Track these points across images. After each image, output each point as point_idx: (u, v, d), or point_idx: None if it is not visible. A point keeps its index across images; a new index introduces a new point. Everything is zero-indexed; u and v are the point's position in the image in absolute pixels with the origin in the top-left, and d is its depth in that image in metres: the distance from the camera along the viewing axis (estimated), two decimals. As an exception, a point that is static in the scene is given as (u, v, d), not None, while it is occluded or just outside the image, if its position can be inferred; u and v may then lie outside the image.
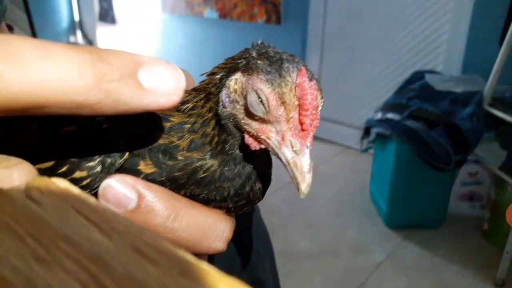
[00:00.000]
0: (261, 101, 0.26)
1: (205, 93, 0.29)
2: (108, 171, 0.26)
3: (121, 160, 0.27)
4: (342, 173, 2.30)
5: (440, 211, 1.79)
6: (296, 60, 0.27)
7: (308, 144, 0.26)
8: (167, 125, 0.29)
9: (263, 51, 0.27)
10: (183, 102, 0.30)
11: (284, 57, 0.27)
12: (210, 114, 0.29)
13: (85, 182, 0.26)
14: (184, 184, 0.28)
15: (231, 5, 2.97)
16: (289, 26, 2.61)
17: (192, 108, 0.29)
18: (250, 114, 0.27)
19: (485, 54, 1.85)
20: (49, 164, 0.26)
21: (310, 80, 0.26)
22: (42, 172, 0.26)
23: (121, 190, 0.25)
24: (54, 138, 0.27)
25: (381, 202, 1.85)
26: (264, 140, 0.27)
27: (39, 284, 0.14)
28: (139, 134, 0.28)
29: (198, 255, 0.29)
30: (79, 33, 3.90)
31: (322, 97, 0.27)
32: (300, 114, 0.26)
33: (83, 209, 0.18)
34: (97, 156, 0.27)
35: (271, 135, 0.27)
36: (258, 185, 0.30)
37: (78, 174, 0.26)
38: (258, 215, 0.65)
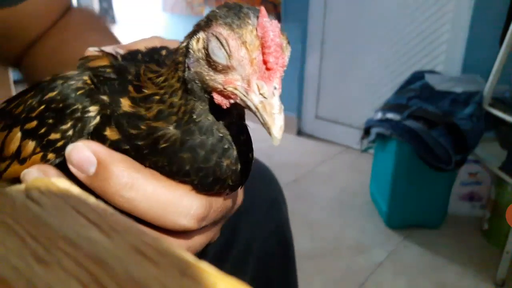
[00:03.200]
0: (222, 45, 0.25)
1: (174, 63, 0.29)
2: (78, 135, 0.28)
3: (91, 125, 0.28)
4: (342, 173, 2.30)
5: (440, 211, 1.79)
6: (257, 8, 0.26)
7: (277, 86, 0.24)
8: (138, 95, 0.29)
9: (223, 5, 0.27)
10: (158, 75, 0.30)
11: (244, 5, 0.26)
12: (178, 84, 0.28)
13: (59, 144, 0.28)
14: (147, 155, 0.28)
15: (231, 5, 2.97)
16: (289, 26, 2.61)
17: (165, 80, 0.29)
18: (213, 66, 0.26)
19: (485, 54, 1.85)
20: (33, 124, 0.29)
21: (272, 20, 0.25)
22: (27, 132, 0.29)
23: (84, 154, 0.26)
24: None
25: (381, 202, 1.85)
26: (232, 93, 0.26)
27: (39, 284, 0.14)
28: (108, 102, 0.29)
29: (171, 232, 0.29)
30: (79, 33, 3.89)
31: (288, 42, 0.26)
32: (263, 53, 0.24)
33: (83, 209, 0.18)
34: (69, 120, 0.28)
35: (237, 84, 0.25)
36: (227, 162, 0.29)
37: (53, 136, 0.28)
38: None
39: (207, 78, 0.26)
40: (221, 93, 0.26)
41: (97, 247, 0.16)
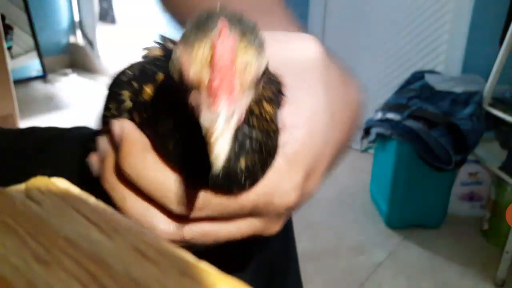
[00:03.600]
0: (176, 58, 0.24)
1: None
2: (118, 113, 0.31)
3: (123, 106, 0.31)
4: (342, 173, 2.30)
5: (440, 211, 1.79)
6: (231, 13, 0.24)
7: (221, 109, 0.22)
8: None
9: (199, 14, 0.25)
10: None
11: (216, 15, 0.24)
12: None
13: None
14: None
15: (231, 5, 2.97)
16: (289, 26, 2.61)
17: None
18: (177, 84, 0.25)
19: (485, 54, 1.85)
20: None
21: (233, 32, 0.23)
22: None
23: (115, 129, 0.29)
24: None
25: (381, 202, 1.85)
26: (193, 110, 0.24)
27: (39, 284, 0.14)
28: (136, 89, 0.30)
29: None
30: (79, 33, 3.89)
31: (257, 53, 0.23)
32: (210, 73, 0.22)
33: (83, 209, 0.18)
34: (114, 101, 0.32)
35: (193, 102, 0.24)
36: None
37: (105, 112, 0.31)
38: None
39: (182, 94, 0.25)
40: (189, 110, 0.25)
41: (97, 247, 0.16)
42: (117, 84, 0.31)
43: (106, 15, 4.37)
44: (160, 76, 0.30)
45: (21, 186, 0.20)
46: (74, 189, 0.20)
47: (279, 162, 0.28)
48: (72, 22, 3.83)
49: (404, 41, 2.25)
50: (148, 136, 0.29)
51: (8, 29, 3.11)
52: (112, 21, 4.38)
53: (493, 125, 1.68)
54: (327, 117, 0.29)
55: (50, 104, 3.13)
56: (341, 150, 0.32)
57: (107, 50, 3.80)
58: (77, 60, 3.84)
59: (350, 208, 1.96)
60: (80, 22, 3.87)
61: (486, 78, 1.64)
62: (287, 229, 0.62)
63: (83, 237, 0.16)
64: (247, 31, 0.23)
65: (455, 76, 1.95)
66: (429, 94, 1.73)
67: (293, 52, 0.31)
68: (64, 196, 0.19)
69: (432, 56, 2.17)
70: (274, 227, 0.32)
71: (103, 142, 0.30)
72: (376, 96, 2.37)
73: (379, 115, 1.74)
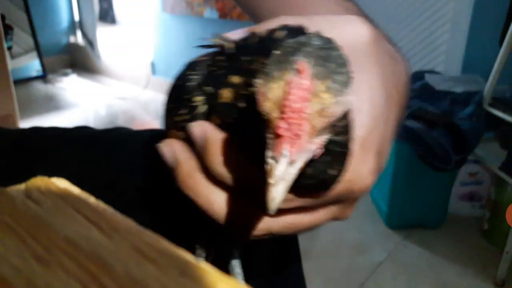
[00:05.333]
0: (255, 93, 0.23)
1: None
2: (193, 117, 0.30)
3: (197, 112, 0.30)
4: (342, 173, 2.30)
5: (440, 211, 1.79)
6: (317, 44, 0.22)
7: (286, 153, 0.21)
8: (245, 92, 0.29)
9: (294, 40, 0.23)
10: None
11: (303, 47, 0.22)
12: None
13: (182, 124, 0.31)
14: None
15: (231, 5, 2.97)
16: (289, 26, 2.61)
17: None
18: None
19: (485, 54, 1.85)
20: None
21: (312, 75, 0.22)
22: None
23: (195, 131, 0.29)
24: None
25: (381, 202, 1.85)
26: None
27: (39, 284, 0.14)
28: (212, 92, 0.30)
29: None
30: (79, 33, 3.90)
31: (336, 100, 0.22)
32: (280, 115, 0.22)
33: (83, 209, 0.18)
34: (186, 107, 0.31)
35: (267, 135, 0.23)
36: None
37: (177, 118, 0.31)
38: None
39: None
40: None
41: (97, 247, 0.16)
42: (187, 91, 0.31)
43: (106, 15, 4.37)
44: (236, 79, 0.29)
45: (21, 186, 0.20)
46: (74, 189, 0.20)
47: (353, 149, 0.28)
48: (72, 22, 3.83)
49: (404, 41, 2.25)
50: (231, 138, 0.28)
51: (8, 29, 3.11)
52: (112, 21, 4.38)
53: (493, 125, 1.68)
54: (384, 96, 0.30)
55: (50, 104, 3.13)
56: (398, 124, 0.33)
57: (107, 50, 3.80)
58: (77, 60, 3.84)
59: (350, 208, 1.96)
60: (80, 22, 3.87)
61: (486, 78, 1.64)
62: None
63: (83, 237, 0.16)
64: (331, 70, 0.22)
65: (455, 76, 1.95)
66: (429, 94, 1.73)
67: (345, 36, 0.32)
68: (64, 196, 0.19)
69: (432, 56, 2.17)
70: (350, 211, 0.33)
71: (174, 147, 0.30)
72: (376, 96, 2.37)
73: (379, 115, 1.74)
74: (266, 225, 0.29)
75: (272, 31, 0.31)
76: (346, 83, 0.22)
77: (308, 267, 1.67)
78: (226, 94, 0.29)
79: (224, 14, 3.05)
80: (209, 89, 0.30)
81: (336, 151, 0.27)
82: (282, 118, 0.21)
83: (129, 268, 0.15)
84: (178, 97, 0.32)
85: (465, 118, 1.57)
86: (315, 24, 0.31)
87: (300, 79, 0.21)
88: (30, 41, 3.34)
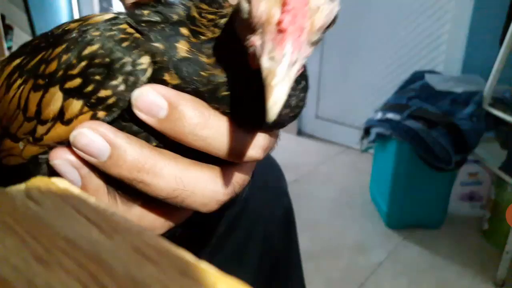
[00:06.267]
0: None
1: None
2: (131, 89, 0.26)
3: (144, 78, 0.26)
4: (342, 173, 2.30)
5: (440, 211, 1.79)
6: None
7: (288, 50, 0.20)
8: (196, 41, 0.27)
9: None
10: (221, 15, 0.27)
11: None
12: None
13: (110, 101, 0.27)
14: (208, 101, 0.27)
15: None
16: (289, 26, 2.61)
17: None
18: (242, 22, 0.23)
19: (485, 54, 1.85)
20: (76, 82, 0.27)
21: None
22: (69, 92, 0.27)
23: (153, 98, 0.25)
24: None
25: (381, 202, 1.85)
26: (254, 54, 0.22)
27: (39, 284, 0.14)
28: (164, 49, 0.26)
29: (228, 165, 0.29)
30: (79, 33, 3.90)
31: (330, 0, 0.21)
32: (281, 10, 0.21)
33: (83, 209, 0.18)
34: (119, 75, 0.26)
35: (257, 43, 0.22)
36: (286, 111, 0.28)
37: (103, 93, 0.26)
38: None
39: (244, 35, 0.23)
40: (250, 55, 0.23)
41: (97, 247, 0.16)
42: (114, 53, 0.26)
43: (106, 15, 4.38)
44: (186, 31, 0.27)
45: (21, 186, 0.20)
46: (74, 189, 0.20)
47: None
48: (72, 22, 3.83)
49: (404, 41, 2.25)
50: (190, 93, 0.27)
51: (8, 29, 3.11)
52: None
53: (493, 125, 1.68)
54: None
55: (50, 104, 3.13)
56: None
57: (107, 50, 3.81)
58: (77, 60, 3.85)
59: (350, 208, 1.96)
60: (80, 22, 3.87)
61: (486, 78, 1.64)
62: (289, 231, 0.62)
63: (83, 237, 0.16)
64: None
65: (455, 76, 1.95)
66: (429, 94, 1.73)
67: None
68: (64, 196, 0.19)
69: (432, 56, 2.17)
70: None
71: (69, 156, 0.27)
72: (376, 96, 2.37)
73: (379, 115, 1.74)
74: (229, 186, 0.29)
75: None
76: None
77: (308, 267, 1.67)
78: (182, 47, 0.27)
79: (224, 14, 3.05)
80: (157, 45, 0.27)
81: (292, 101, 0.27)
82: (285, 11, 0.20)
83: (129, 268, 0.15)
84: (100, 65, 0.27)
85: (465, 118, 1.57)
86: None
87: None
88: (30, 41, 3.34)
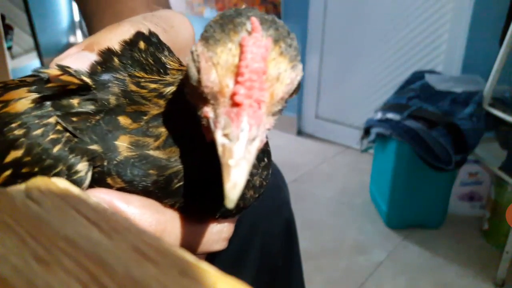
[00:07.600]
0: (194, 64, 0.19)
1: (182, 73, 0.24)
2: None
3: (84, 186, 0.23)
4: (342, 173, 2.30)
5: (440, 211, 1.79)
6: (259, 13, 0.20)
7: (245, 126, 0.18)
8: (138, 125, 0.23)
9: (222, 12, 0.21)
10: (167, 84, 0.24)
11: (247, 12, 0.20)
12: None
13: None
14: (161, 198, 0.24)
15: (231, 5, 2.97)
16: (289, 26, 2.58)
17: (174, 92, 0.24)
18: (192, 91, 0.21)
19: (485, 54, 1.85)
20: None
21: (266, 35, 0.19)
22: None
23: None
24: None
25: (381, 202, 1.85)
26: (207, 125, 0.20)
27: (39, 284, 0.14)
28: (102, 151, 0.23)
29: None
30: (79, 33, 3.90)
31: (292, 65, 0.19)
32: (235, 81, 0.18)
33: (83, 209, 0.18)
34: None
35: (209, 115, 0.20)
36: (250, 192, 0.25)
37: None
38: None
39: (195, 104, 0.21)
40: (203, 125, 0.21)
41: (97, 247, 0.16)
42: (45, 161, 0.22)
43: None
44: (124, 119, 0.23)
45: (21, 186, 0.20)
46: (74, 189, 0.20)
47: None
48: (72, 22, 3.83)
49: (404, 41, 2.25)
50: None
51: (8, 29, 3.11)
52: (112, 21, 4.38)
53: (493, 125, 1.68)
54: None
55: (50, 104, 3.13)
56: None
57: (107, 50, 3.80)
58: (77, 60, 3.84)
59: (350, 208, 1.96)
60: (80, 22, 3.87)
61: (486, 78, 1.64)
62: (290, 231, 0.62)
63: (83, 237, 0.16)
64: (282, 36, 0.20)
65: (455, 76, 1.95)
66: (429, 94, 1.73)
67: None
68: (64, 196, 0.19)
69: (432, 56, 2.17)
70: None
71: None
72: (376, 96, 2.37)
73: (379, 115, 1.74)
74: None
75: (129, 42, 0.26)
76: (297, 49, 0.20)
77: (308, 267, 1.67)
78: (123, 144, 0.23)
79: (224, 14, 3.04)
80: (93, 148, 0.23)
81: (256, 182, 0.25)
82: (239, 83, 0.18)
83: (129, 268, 0.15)
84: (29, 175, 0.22)
85: (465, 118, 1.57)
86: (155, 21, 0.29)
87: (255, 39, 0.18)
88: (30, 41, 3.33)
